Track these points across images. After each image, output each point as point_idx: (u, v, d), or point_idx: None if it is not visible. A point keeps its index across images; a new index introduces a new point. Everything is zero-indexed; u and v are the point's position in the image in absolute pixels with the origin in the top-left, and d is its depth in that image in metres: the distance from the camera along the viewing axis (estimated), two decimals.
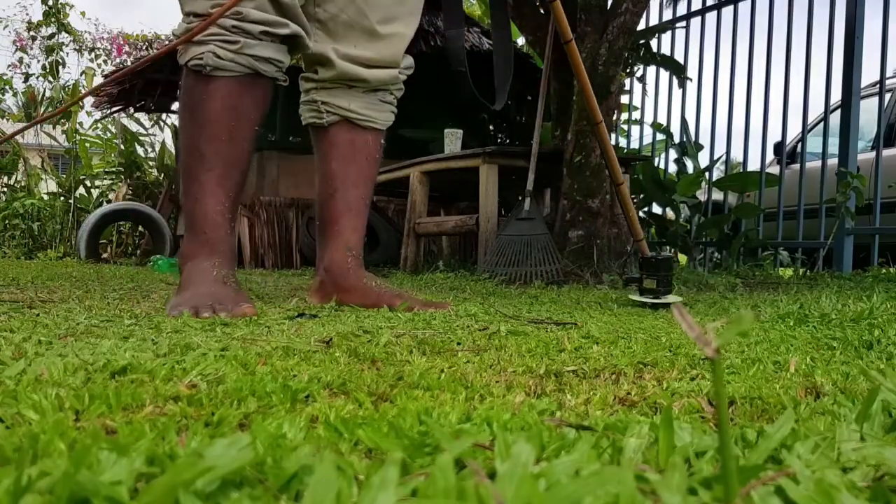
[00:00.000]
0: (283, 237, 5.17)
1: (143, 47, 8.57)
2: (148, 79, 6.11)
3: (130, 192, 7.04)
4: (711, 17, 4.70)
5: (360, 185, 1.91)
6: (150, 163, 7.28)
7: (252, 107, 1.70)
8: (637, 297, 2.00)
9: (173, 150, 6.91)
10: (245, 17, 1.64)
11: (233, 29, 1.64)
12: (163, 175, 7.02)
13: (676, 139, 4.69)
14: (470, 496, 0.36)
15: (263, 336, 1.15)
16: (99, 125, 7.96)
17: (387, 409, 0.63)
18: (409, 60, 2.00)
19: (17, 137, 7.72)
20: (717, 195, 5.15)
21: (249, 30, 1.64)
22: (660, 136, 5.04)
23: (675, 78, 4.81)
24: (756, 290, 2.71)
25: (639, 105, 5.41)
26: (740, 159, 6.20)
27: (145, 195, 6.92)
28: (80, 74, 8.47)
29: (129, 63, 8.20)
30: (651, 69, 5.05)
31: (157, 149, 7.33)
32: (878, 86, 3.93)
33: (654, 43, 4.65)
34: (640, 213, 4.62)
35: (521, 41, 6.32)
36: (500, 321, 1.46)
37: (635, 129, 5.61)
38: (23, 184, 7.44)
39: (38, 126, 7.82)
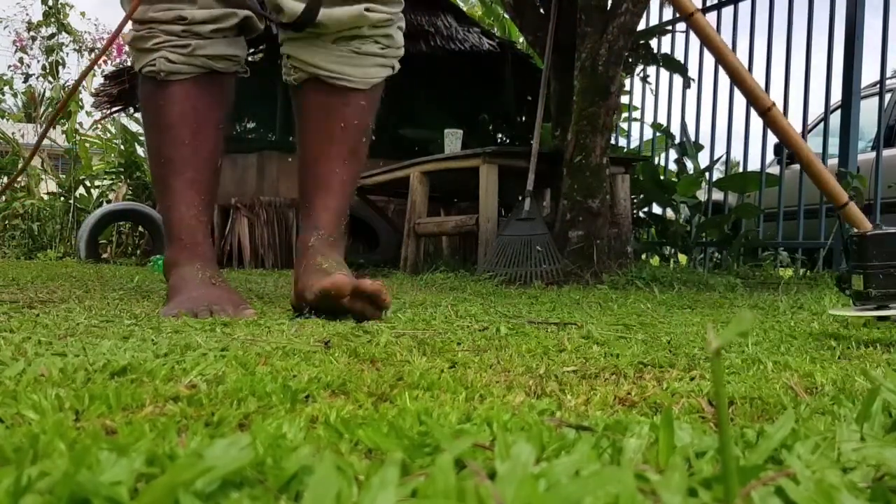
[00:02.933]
0: (283, 237, 5.17)
1: None
2: None
3: (130, 192, 7.04)
4: (711, 17, 4.70)
5: (333, 158, 1.63)
6: None
7: (213, 105, 1.65)
8: (845, 312, 1.28)
9: None
10: (192, 20, 1.59)
11: (182, 33, 1.59)
12: None
13: (677, 139, 4.69)
14: (470, 496, 0.36)
15: (263, 336, 1.15)
16: (99, 125, 7.97)
17: (387, 410, 0.63)
18: None
19: (17, 138, 7.73)
20: (717, 195, 5.15)
21: (199, 31, 1.59)
22: (659, 136, 5.04)
23: (676, 77, 4.81)
24: (756, 291, 2.71)
25: (639, 105, 5.41)
26: (740, 159, 6.20)
27: (145, 195, 6.91)
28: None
29: (129, 63, 8.19)
30: (651, 69, 5.05)
31: None
32: (878, 86, 3.93)
33: (654, 43, 4.66)
34: (640, 213, 4.62)
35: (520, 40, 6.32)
36: (500, 321, 1.46)
37: (635, 130, 5.62)
38: (23, 184, 7.44)
39: (38, 128, 7.82)
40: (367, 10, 1.54)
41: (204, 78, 1.62)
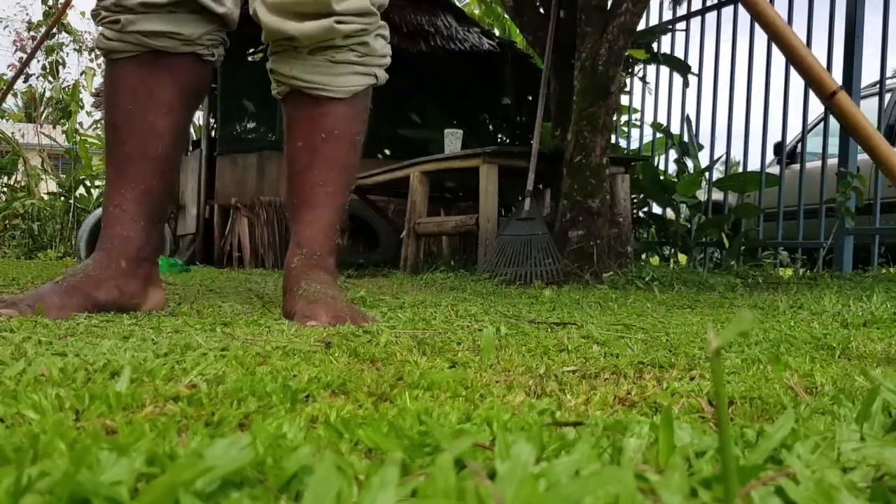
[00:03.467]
0: (283, 237, 5.17)
1: None
2: None
3: None
4: (711, 17, 4.70)
5: (316, 169, 1.59)
6: None
7: (157, 87, 1.53)
8: None
9: None
10: None
11: (113, 7, 1.50)
12: None
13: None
14: (470, 496, 0.36)
15: (263, 336, 1.15)
16: (99, 125, 7.97)
17: (387, 410, 0.63)
18: (361, 3, 1.54)
19: (17, 137, 7.73)
20: (717, 195, 5.16)
21: (127, 4, 1.49)
22: (660, 137, 5.04)
23: (676, 77, 4.81)
24: (756, 290, 2.71)
25: (639, 107, 5.42)
26: (740, 159, 6.20)
27: None
28: (80, 74, 8.48)
29: None
30: (651, 69, 5.05)
31: None
32: (878, 86, 3.93)
33: (654, 43, 4.66)
34: (640, 214, 4.62)
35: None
36: (501, 321, 1.46)
37: (635, 130, 5.62)
38: (23, 184, 7.45)
39: (38, 128, 7.83)
40: (337, 22, 1.51)
41: (146, 57, 1.52)
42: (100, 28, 1.55)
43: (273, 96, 1.68)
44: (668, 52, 4.81)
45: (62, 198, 7.12)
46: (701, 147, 4.59)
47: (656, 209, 4.66)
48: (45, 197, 7.32)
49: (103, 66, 1.62)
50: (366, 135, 1.69)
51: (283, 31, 1.53)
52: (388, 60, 1.67)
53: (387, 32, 1.67)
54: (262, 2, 1.54)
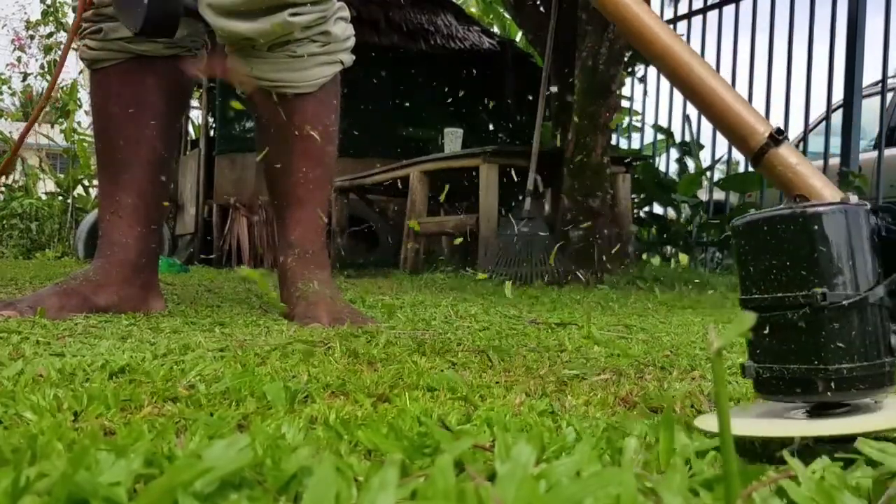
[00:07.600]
0: None
1: None
2: None
3: None
4: (713, 15, 4.70)
5: (295, 168, 1.54)
6: None
7: (144, 92, 1.53)
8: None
9: None
10: (100, 3, 1.49)
11: (93, 17, 1.51)
12: None
13: (678, 138, 4.68)
14: (470, 498, 0.36)
15: (262, 336, 1.15)
16: None
17: (386, 410, 0.63)
18: None
19: (15, 137, 7.72)
20: (719, 195, 5.16)
21: (107, 12, 1.49)
22: (660, 138, 5.04)
23: None
24: None
25: (639, 109, 5.42)
26: (741, 159, 6.19)
27: None
28: (79, 73, 8.47)
29: None
30: (651, 70, 5.05)
31: None
32: (879, 85, 3.93)
33: None
34: (641, 213, 4.62)
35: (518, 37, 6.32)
36: (501, 321, 1.46)
37: (635, 133, 5.61)
38: (21, 184, 7.44)
39: (36, 128, 7.82)
40: (291, 15, 1.42)
41: (130, 64, 1.52)
42: (84, 41, 1.54)
43: (239, 94, 1.61)
44: None
45: (60, 197, 7.12)
46: (702, 147, 4.60)
47: (657, 209, 4.66)
48: (44, 197, 7.31)
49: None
50: (340, 121, 1.62)
51: (237, 33, 1.43)
52: (352, 43, 1.58)
53: (347, 14, 1.58)
54: (207, 4, 1.42)
